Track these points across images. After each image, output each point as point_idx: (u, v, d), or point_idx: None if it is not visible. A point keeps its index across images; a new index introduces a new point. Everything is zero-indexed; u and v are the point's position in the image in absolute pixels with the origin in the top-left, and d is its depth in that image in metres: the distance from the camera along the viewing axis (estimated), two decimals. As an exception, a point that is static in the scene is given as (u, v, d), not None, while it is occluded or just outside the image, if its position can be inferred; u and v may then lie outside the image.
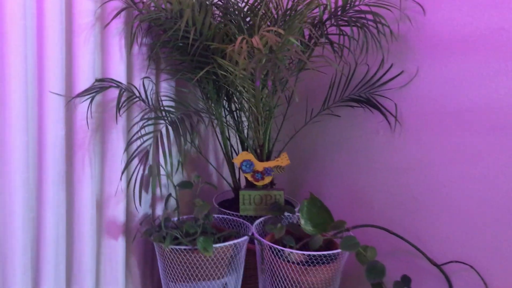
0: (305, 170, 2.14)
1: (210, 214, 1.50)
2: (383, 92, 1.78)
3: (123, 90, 1.54)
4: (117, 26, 1.58)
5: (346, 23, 1.63)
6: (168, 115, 1.38)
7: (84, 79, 1.52)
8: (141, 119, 1.33)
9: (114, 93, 1.59)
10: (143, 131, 1.61)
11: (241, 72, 1.38)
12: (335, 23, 1.65)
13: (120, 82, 1.58)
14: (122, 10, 1.52)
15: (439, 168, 1.59)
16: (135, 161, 1.63)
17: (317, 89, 2.04)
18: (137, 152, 1.58)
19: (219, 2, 1.68)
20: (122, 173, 1.49)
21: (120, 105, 1.54)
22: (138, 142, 1.61)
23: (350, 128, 1.91)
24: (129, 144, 1.49)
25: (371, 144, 1.84)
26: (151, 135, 1.47)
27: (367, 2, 1.62)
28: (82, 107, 1.53)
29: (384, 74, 1.76)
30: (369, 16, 1.68)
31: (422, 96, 1.65)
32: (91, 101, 1.49)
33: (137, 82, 1.68)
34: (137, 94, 1.64)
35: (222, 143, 1.81)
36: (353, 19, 1.56)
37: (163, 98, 1.75)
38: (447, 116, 1.56)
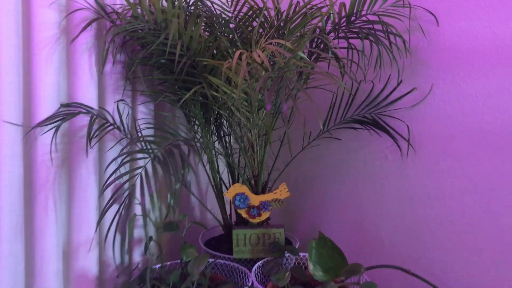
0: (302, 200, 1.94)
1: (208, 267, 1.27)
2: (392, 112, 1.60)
3: (94, 116, 1.30)
4: (86, 40, 1.34)
5: (353, 35, 1.45)
6: (152, 149, 1.15)
7: (47, 105, 1.28)
8: (120, 154, 1.09)
9: (83, 120, 1.35)
10: (122, 169, 1.36)
11: (240, 93, 1.18)
12: (340, 35, 1.47)
13: (90, 107, 1.34)
14: (92, 21, 1.29)
15: (458, 198, 1.42)
16: (108, 197, 1.38)
17: (316, 108, 1.85)
18: (114, 190, 1.34)
19: (203, 13, 1.48)
20: (98, 222, 1.24)
21: (91, 134, 1.30)
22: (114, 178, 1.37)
23: (354, 153, 1.73)
24: (104, 187, 1.23)
25: (379, 170, 1.65)
26: (133, 173, 1.23)
27: (375, 11, 1.45)
28: (44, 138, 1.27)
29: (392, 91, 1.59)
30: (377, 27, 1.51)
31: (438, 117, 1.48)
32: (55, 131, 1.24)
33: (111, 107, 1.44)
34: (111, 121, 1.40)
35: (210, 174, 1.59)
36: (363, 30, 1.38)
37: (141, 124, 1.52)
38: (467, 139, 1.40)
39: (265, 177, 1.63)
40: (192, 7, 1.34)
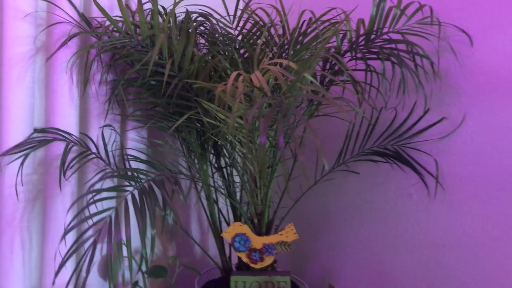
0: (314, 240, 1.73)
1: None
2: (417, 144, 1.41)
3: (71, 144, 1.14)
4: (66, 58, 1.20)
5: (373, 56, 1.27)
6: (124, 186, 0.98)
7: (17, 130, 1.13)
8: (90, 191, 0.91)
9: (60, 148, 1.19)
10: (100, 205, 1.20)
11: (235, 120, 1.01)
12: (357, 56, 1.29)
13: (68, 133, 1.19)
14: (71, 36, 1.14)
15: (493, 248, 1.21)
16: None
17: (329, 138, 1.66)
18: (91, 228, 1.17)
19: (203, 28, 1.32)
20: (60, 266, 1.07)
21: (67, 164, 1.14)
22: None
23: (374, 189, 1.53)
24: (65, 233, 1.06)
25: (402, 211, 1.45)
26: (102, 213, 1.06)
27: (398, 29, 1.27)
28: (12, 169, 1.12)
29: (418, 120, 1.40)
30: (401, 47, 1.33)
31: (471, 152, 1.28)
32: (23, 160, 1.09)
33: (95, 132, 1.28)
34: (94, 149, 1.25)
35: (208, 211, 1.41)
36: (385, 50, 1.20)
37: (130, 152, 1.36)
38: (505, 180, 1.20)
39: (270, 215, 1.45)
40: (187, 22, 1.18)
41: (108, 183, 1.25)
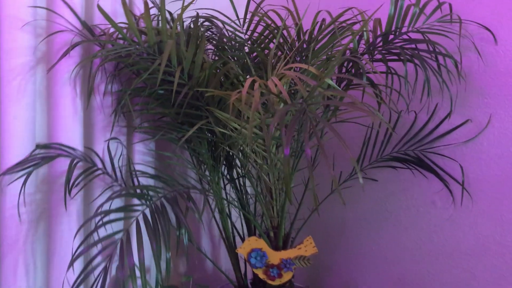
0: (333, 252, 1.66)
1: None
2: (440, 149, 1.34)
3: (76, 159, 1.08)
4: (69, 68, 1.13)
5: (392, 57, 1.21)
6: (148, 198, 0.91)
7: (18, 147, 1.06)
8: (98, 213, 0.84)
9: (65, 164, 1.13)
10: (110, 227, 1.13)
11: (252, 130, 0.94)
12: (375, 57, 1.23)
13: (72, 148, 1.13)
14: (74, 45, 1.08)
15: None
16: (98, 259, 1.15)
17: (348, 143, 1.59)
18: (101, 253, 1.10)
19: (212, 34, 1.26)
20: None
21: (72, 182, 1.08)
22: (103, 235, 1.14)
23: (394, 197, 1.46)
24: (72, 260, 0.98)
25: (425, 219, 1.38)
26: (114, 236, 0.99)
27: (418, 28, 1.20)
28: (14, 188, 1.06)
29: (440, 123, 1.33)
30: (421, 46, 1.26)
31: (499, 155, 1.22)
32: (25, 179, 1.02)
33: (100, 146, 1.22)
34: (99, 165, 1.18)
35: (221, 225, 1.34)
36: (406, 50, 1.13)
37: (138, 167, 1.29)
38: None
39: (287, 228, 1.38)
40: (196, 27, 1.12)
41: (116, 201, 1.18)
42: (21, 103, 1.06)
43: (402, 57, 1.19)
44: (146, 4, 0.95)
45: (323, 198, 1.55)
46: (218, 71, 1.09)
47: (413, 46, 1.24)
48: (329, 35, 1.14)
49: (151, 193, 0.96)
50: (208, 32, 1.27)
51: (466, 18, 1.27)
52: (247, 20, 1.22)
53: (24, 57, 1.07)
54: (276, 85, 0.95)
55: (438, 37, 1.30)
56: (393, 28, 1.22)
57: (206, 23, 1.27)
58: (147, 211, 0.87)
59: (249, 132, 0.92)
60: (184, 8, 0.99)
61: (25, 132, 1.08)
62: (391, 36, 1.22)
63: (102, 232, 1.12)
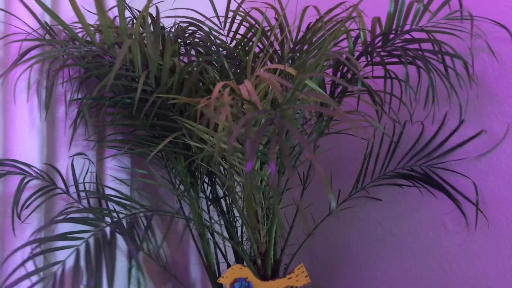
0: (331, 280, 1.50)
1: None
2: (451, 164, 1.19)
3: (28, 178, 0.96)
4: (26, 76, 1.02)
5: (393, 59, 1.07)
6: (96, 224, 0.78)
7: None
8: (30, 242, 0.72)
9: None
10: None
11: (220, 142, 0.81)
12: (373, 60, 1.09)
13: (27, 165, 1.00)
14: (29, 49, 0.96)
15: None
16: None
17: (345, 158, 1.44)
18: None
19: (189, 36, 1.14)
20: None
21: (24, 203, 0.95)
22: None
23: (399, 220, 1.30)
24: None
25: (435, 245, 1.22)
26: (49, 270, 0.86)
27: (423, 26, 1.06)
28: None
29: (451, 135, 1.18)
30: (425, 47, 1.11)
31: (519, 170, 1.06)
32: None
33: (65, 163, 1.10)
34: (61, 182, 1.06)
35: (202, 251, 1.20)
36: (409, 51, 0.99)
37: (110, 185, 1.17)
38: None
39: (278, 254, 1.23)
40: (169, 27, 1.00)
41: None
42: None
43: (403, 59, 1.04)
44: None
45: (320, 219, 1.40)
46: (191, 75, 0.96)
47: (416, 46, 1.10)
48: (320, 33, 1.01)
49: (107, 217, 0.83)
50: (187, 34, 1.15)
51: (478, 15, 1.13)
52: (228, 19, 1.09)
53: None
54: (249, 89, 0.82)
55: (445, 37, 1.16)
56: (394, 27, 1.08)
57: (185, 25, 1.15)
58: (91, 241, 0.73)
59: (217, 144, 0.79)
60: (148, 2, 0.87)
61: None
62: (392, 35, 1.08)
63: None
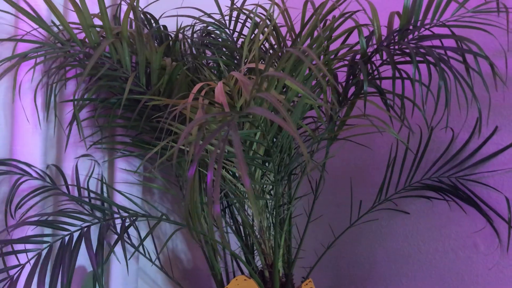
0: None
1: None
2: (483, 176, 1.05)
3: (25, 178, 0.97)
4: (30, 78, 1.04)
5: (406, 57, 0.97)
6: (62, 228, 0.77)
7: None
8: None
9: (29, 183, 1.03)
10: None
11: (195, 145, 0.76)
12: (388, 60, 0.99)
13: (28, 165, 1.02)
14: (27, 53, 0.98)
15: None
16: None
17: (370, 167, 1.34)
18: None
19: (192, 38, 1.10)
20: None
21: (18, 203, 0.97)
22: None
23: (428, 235, 1.18)
24: None
25: (465, 266, 1.09)
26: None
27: (445, 21, 0.95)
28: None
29: (484, 144, 1.05)
30: (448, 44, 0.99)
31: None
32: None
33: (71, 164, 1.11)
34: (69, 183, 1.07)
35: (208, 257, 1.16)
36: (422, 49, 0.89)
37: (119, 187, 1.17)
38: None
39: (290, 269, 1.16)
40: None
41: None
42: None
43: (419, 58, 0.92)
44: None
45: (339, 231, 1.30)
46: (179, 75, 0.93)
47: (437, 43, 0.99)
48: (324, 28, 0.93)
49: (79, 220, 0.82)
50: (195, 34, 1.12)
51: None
52: (231, 17, 1.05)
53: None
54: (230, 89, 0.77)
55: (474, 33, 1.03)
56: (412, 21, 0.97)
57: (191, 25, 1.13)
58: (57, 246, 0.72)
59: (191, 148, 0.75)
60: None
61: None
62: (409, 31, 0.97)
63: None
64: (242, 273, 1.29)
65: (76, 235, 0.79)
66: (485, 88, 0.96)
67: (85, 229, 0.76)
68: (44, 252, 0.70)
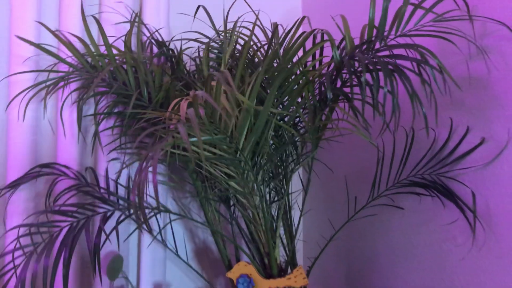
0: (359, 286, 1.50)
1: None
2: (459, 173, 1.13)
3: (61, 178, 1.22)
4: (71, 95, 1.30)
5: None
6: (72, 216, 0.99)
7: (22, 166, 1.25)
8: (14, 227, 0.95)
9: (65, 183, 1.28)
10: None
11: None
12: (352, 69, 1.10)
13: (66, 167, 1.28)
14: (60, 79, 1.23)
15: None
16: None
17: (364, 164, 1.44)
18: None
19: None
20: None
21: (55, 197, 1.22)
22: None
23: (418, 230, 1.27)
24: None
25: (447, 257, 1.17)
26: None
27: (413, 30, 1.05)
28: (14, 203, 1.24)
29: (459, 143, 1.13)
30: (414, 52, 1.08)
31: (521, 181, 0.98)
32: (11, 193, 1.20)
33: (104, 166, 1.35)
34: (102, 183, 1.31)
35: (217, 244, 1.35)
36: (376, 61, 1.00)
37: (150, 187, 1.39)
38: None
39: (290, 256, 1.31)
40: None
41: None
42: (23, 128, 1.25)
43: (371, 67, 1.03)
44: (86, 26, 1.04)
45: (337, 224, 1.41)
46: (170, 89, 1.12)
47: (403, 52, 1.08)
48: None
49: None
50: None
51: (476, 14, 1.06)
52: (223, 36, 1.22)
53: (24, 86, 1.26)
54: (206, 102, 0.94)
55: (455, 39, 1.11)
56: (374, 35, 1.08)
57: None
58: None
59: (191, 152, 0.94)
60: (132, 24, 1.06)
61: (27, 154, 1.27)
62: (371, 46, 1.08)
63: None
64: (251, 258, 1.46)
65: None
66: (431, 92, 1.05)
67: (100, 216, 0.98)
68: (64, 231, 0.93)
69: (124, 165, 1.33)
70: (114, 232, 1.33)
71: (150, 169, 1.40)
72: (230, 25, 1.39)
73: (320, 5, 1.70)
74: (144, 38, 1.29)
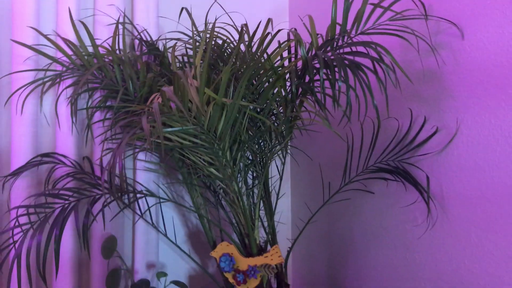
0: (339, 267, 1.62)
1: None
2: (419, 159, 1.24)
3: (58, 165, 1.36)
4: (64, 92, 1.43)
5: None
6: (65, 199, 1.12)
7: (24, 155, 1.39)
8: (11, 208, 1.09)
9: (62, 171, 1.42)
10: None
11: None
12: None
13: (64, 156, 1.41)
14: (59, 74, 1.36)
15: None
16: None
17: (338, 153, 1.55)
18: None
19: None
20: None
21: (53, 184, 1.35)
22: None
23: (387, 212, 1.38)
24: None
25: (410, 236, 1.28)
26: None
27: (371, 28, 1.15)
28: (16, 188, 1.38)
29: (419, 131, 1.23)
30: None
31: (465, 167, 1.10)
32: (14, 180, 1.33)
33: (104, 158, 1.49)
34: (97, 172, 1.44)
35: (203, 227, 1.47)
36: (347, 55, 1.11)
37: (139, 173, 1.52)
38: (503, 201, 0.98)
39: (272, 236, 1.43)
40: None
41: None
42: (24, 121, 1.39)
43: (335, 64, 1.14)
44: (75, 29, 1.17)
45: (315, 208, 1.53)
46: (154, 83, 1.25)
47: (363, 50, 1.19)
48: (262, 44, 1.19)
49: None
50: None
51: (430, 13, 1.16)
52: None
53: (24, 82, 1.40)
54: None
55: (409, 37, 1.21)
56: (338, 32, 1.19)
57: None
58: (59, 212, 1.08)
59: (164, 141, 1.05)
60: (117, 28, 1.18)
61: (29, 144, 1.40)
62: (335, 45, 1.19)
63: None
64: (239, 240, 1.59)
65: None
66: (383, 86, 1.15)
67: (85, 200, 1.11)
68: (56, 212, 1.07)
69: (104, 153, 1.46)
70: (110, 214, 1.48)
71: (139, 157, 1.54)
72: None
73: (306, 4, 1.80)
74: (131, 39, 1.42)
